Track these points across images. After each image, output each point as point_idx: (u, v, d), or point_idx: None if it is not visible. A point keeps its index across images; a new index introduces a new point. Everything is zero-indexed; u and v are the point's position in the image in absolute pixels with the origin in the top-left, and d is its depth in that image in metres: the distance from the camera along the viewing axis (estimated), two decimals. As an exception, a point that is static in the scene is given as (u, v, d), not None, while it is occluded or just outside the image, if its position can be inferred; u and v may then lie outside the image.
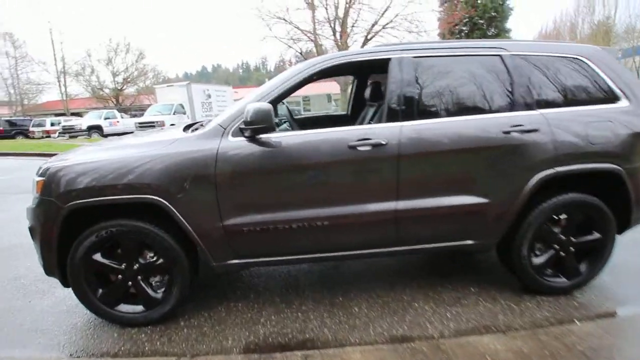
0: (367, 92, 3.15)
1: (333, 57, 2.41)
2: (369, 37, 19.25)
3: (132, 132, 16.26)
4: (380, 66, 2.42)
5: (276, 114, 2.39)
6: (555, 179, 2.33)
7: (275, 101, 2.33)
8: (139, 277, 2.28)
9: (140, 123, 17.34)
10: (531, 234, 2.41)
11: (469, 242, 2.42)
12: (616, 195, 2.45)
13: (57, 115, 27.85)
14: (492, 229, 2.39)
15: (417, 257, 3.28)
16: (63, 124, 20.74)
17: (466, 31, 23.88)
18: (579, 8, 29.84)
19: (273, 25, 19.36)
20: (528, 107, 2.33)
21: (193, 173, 2.14)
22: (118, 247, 2.26)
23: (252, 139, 2.18)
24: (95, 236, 2.18)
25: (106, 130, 19.62)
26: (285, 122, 3.43)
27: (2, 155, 13.35)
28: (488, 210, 2.33)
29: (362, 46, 18.40)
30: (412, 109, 2.29)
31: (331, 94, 26.78)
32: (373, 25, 19.04)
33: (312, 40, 20.14)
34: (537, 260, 2.50)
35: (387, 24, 18.88)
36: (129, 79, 35.63)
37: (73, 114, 29.35)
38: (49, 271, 2.30)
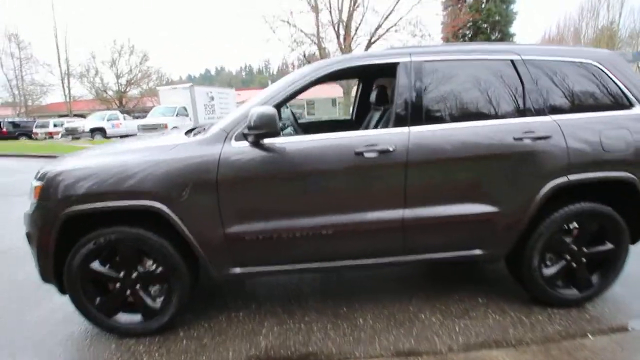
0: (373, 96, 3.09)
1: (340, 60, 2.35)
2: (372, 40, 19.23)
3: (134, 134, 16.26)
4: (388, 70, 2.36)
5: (280, 118, 2.32)
6: (567, 187, 2.25)
7: (280, 105, 2.26)
8: (138, 286, 2.21)
9: (142, 125, 17.33)
10: (542, 244, 2.34)
11: (478, 252, 2.35)
12: (630, 204, 2.38)
13: (60, 116, 27.95)
14: (502, 238, 2.32)
15: (423, 265, 3.20)
16: (66, 125, 20.78)
17: (470, 35, 23.85)
18: (583, 13, 29.71)
19: (277, 28, 19.39)
20: (540, 113, 2.26)
21: (194, 179, 2.08)
22: (116, 255, 2.19)
23: (256, 144, 2.12)
24: (93, 243, 2.12)
25: (109, 132, 19.64)
26: (289, 126, 3.36)
27: (5, 156, 13.37)
28: (498, 219, 2.26)
29: (366, 49, 18.39)
30: (421, 114, 2.22)
31: (336, 98, 26.60)
32: (377, 29, 19.04)
33: (315, 43, 20.15)
34: (548, 271, 2.42)
35: (391, 27, 18.88)
36: (132, 81, 35.78)
37: (76, 116, 29.41)
38: (45, 278, 2.23)
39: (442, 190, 2.23)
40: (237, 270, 2.25)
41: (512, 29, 24.81)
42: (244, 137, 2.14)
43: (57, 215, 2.07)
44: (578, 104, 2.32)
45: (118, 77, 34.93)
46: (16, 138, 22.61)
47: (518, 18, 25.88)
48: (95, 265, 2.17)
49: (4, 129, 23.55)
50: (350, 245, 2.27)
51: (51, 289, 2.28)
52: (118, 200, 2.07)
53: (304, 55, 20.88)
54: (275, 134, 2.07)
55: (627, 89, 2.33)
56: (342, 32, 19.49)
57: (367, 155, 2.13)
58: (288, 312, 2.55)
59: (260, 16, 19.34)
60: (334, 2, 19.23)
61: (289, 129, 3.29)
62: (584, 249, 2.40)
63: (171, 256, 2.15)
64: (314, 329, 2.34)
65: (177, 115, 17.75)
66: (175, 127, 15.75)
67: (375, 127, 2.97)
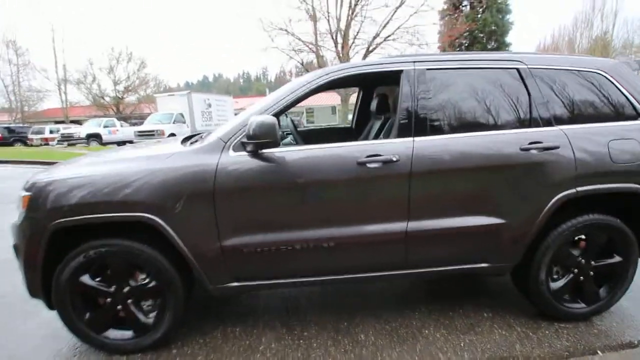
0: (374, 105, 3.04)
1: (341, 68, 2.29)
2: (370, 49, 19.32)
3: (131, 141, 16.15)
4: (390, 78, 2.30)
5: (279, 126, 2.25)
6: (575, 199, 2.19)
7: (280, 113, 2.19)
8: (129, 301, 2.12)
9: (139, 132, 17.23)
10: (549, 257, 2.27)
11: (484, 265, 2.27)
12: (638, 216, 2.32)
13: (57, 122, 27.79)
14: (509, 251, 2.25)
15: (425, 278, 3.11)
16: (62, 131, 20.63)
17: (466, 44, 24.08)
18: (577, 23, 30.14)
19: (275, 37, 19.45)
20: (547, 123, 2.21)
21: (190, 189, 2.00)
22: (107, 268, 2.10)
23: (255, 154, 2.05)
24: (83, 256, 2.02)
25: (105, 138, 19.50)
26: (288, 134, 3.30)
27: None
28: (505, 231, 2.19)
29: (364, 58, 18.47)
30: (425, 123, 2.16)
31: (336, 106, 26.46)
32: (375, 38, 19.13)
33: (313, 52, 20.21)
34: (555, 285, 2.36)
35: (389, 36, 18.96)
36: (130, 88, 35.71)
37: (73, 122, 29.28)
38: (33, 292, 2.13)
39: (447, 201, 2.16)
40: (234, 284, 2.16)
41: (508, 39, 25.10)
42: (243, 146, 2.06)
43: (46, 227, 1.98)
44: (585, 114, 2.27)
45: (115, 83, 34.89)
46: (11, 144, 22.39)
47: (514, 28, 26.22)
48: (85, 279, 2.07)
49: (-1, 135, 23.35)
50: (351, 259, 2.19)
51: (39, 303, 2.18)
52: (110, 212, 1.98)
53: (302, 64, 20.94)
54: (275, 143, 1.99)
55: (635, 99, 2.29)
56: (340, 40, 19.57)
57: (369, 165, 2.07)
58: (286, 326, 2.46)
59: (258, 23, 19.28)
60: (332, 11, 19.40)
61: (289, 138, 3.22)
62: (592, 262, 2.34)
63: (165, 270, 2.06)
64: (314, 345, 2.25)
65: (174, 122, 17.67)
66: (172, 134, 15.71)
67: (376, 136, 2.91)
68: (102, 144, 18.90)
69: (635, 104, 2.30)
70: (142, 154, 2.27)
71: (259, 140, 1.97)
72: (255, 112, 2.18)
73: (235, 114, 13.60)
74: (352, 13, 19.04)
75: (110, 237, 2.05)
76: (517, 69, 2.25)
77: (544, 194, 2.16)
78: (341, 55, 19.26)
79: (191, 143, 2.38)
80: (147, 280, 2.11)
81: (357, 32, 19.47)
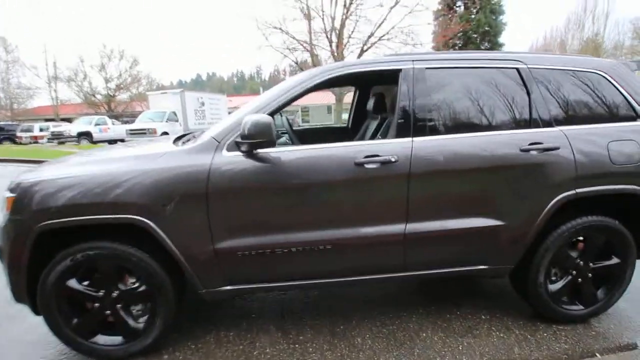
0: (370, 104, 2.99)
1: (338, 66, 2.23)
2: (365, 48, 19.31)
3: (122, 140, 15.93)
4: (388, 77, 2.26)
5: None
6: (574, 200, 2.17)
7: (275, 112, 2.13)
8: (119, 306, 2.04)
9: (131, 130, 17.01)
10: (548, 259, 2.25)
11: (483, 267, 2.24)
12: (637, 218, 2.31)
13: (47, 120, 27.36)
14: (508, 253, 2.22)
15: (422, 279, 3.08)
16: (52, 129, 20.30)
17: (460, 45, 24.16)
18: (569, 24, 30.47)
19: (269, 35, 19.34)
20: (547, 123, 2.18)
21: (182, 190, 1.93)
22: (95, 272, 2.02)
23: (249, 154, 1.98)
24: (70, 260, 1.95)
25: (96, 136, 19.23)
26: (284, 134, 3.24)
27: (-14, 161, 12.91)
28: (504, 233, 2.16)
29: (359, 57, 18.44)
30: (424, 123, 2.11)
31: (332, 105, 26.26)
32: (369, 37, 19.13)
33: (308, 51, 20.15)
34: (553, 287, 2.34)
35: (383, 35, 18.98)
36: (122, 86, 35.30)
37: (63, 120, 28.84)
38: (17, 297, 2.05)
39: (446, 203, 2.12)
40: (227, 287, 2.10)
41: (501, 39, 25.26)
42: (237, 146, 2.00)
43: (32, 229, 1.90)
44: (585, 115, 2.25)
45: (107, 81, 34.45)
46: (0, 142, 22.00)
47: (507, 29, 26.41)
48: (72, 283, 2.00)
49: (-13, 133, 22.92)
50: (348, 262, 2.14)
51: (25, 307, 2.09)
52: (98, 214, 1.90)
53: (296, 63, 20.86)
54: (270, 143, 1.93)
55: (634, 100, 2.27)
56: (334, 39, 19.53)
57: (367, 166, 2.02)
58: (282, 330, 2.40)
59: (253, 21, 19.21)
60: (327, 10, 19.34)
61: (284, 138, 3.16)
62: (590, 264, 2.32)
63: (156, 274, 1.99)
64: (310, 349, 2.20)
65: (167, 121, 17.47)
66: (165, 133, 15.53)
67: (373, 136, 2.86)
68: (93, 142, 18.64)
69: (635, 105, 2.28)
70: (133, 154, 2.20)
71: (253, 140, 1.91)
72: (250, 110, 2.12)
73: (229, 113, 13.49)
74: (347, 12, 19.02)
75: (99, 240, 1.97)
76: (517, 69, 2.22)
77: (544, 196, 2.14)
78: (336, 54, 19.23)
79: (183, 142, 2.31)
80: (137, 285, 2.04)
81: (352, 32, 19.48)
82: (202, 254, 2.00)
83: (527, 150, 2.11)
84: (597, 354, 2.12)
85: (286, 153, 2.05)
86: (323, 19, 19.32)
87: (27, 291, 2.00)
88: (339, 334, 2.34)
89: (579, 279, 2.33)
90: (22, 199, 1.93)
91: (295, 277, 2.14)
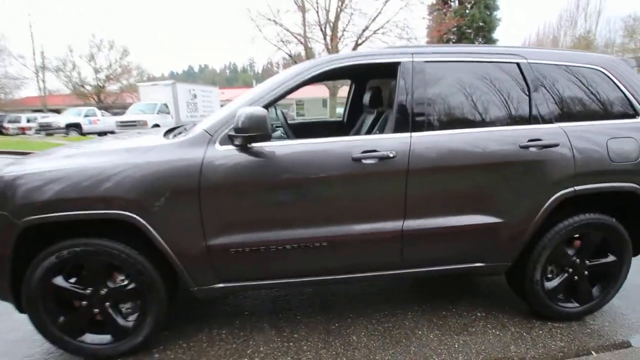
0: (366, 98, 2.93)
1: (335, 58, 2.17)
2: (359, 42, 19.17)
3: (112, 132, 15.64)
4: (387, 70, 2.20)
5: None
6: (572, 198, 2.15)
7: (270, 105, 2.06)
8: (107, 304, 1.98)
9: (121, 122, 16.70)
10: (545, 257, 2.23)
11: (480, 264, 2.22)
12: (633, 216, 2.31)
13: (34, 111, 26.76)
14: (506, 250, 2.20)
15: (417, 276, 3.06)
16: (40, 120, 19.85)
17: (454, 40, 24.17)
18: (562, 21, 30.62)
19: (263, 27, 19.09)
20: (546, 120, 2.15)
21: (173, 186, 1.86)
22: (83, 269, 1.95)
23: (243, 148, 1.91)
24: (56, 257, 1.87)
25: (85, 128, 18.85)
26: (278, 127, 3.17)
27: (-29, 152, 12.59)
28: (502, 230, 2.13)
29: (354, 50, 18.31)
30: (423, 118, 2.07)
31: (327, 99, 26.02)
32: (364, 30, 18.98)
33: (302, 43, 19.94)
34: (550, 285, 2.33)
35: (378, 29, 18.85)
36: (111, 76, 34.67)
37: (52, 111, 28.23)
38: (1, 295, 1.97)
39: (444, 200, 2.08)
40: (220, 285, 2.04)
41: (495, 35, 25.31)
42: (230, 140, 1.93)
43: (16, 225, 1.82)
44: (584, 111, 2.22)
45: (97, 71, 33.79)
46: (-15, 133, 21.49)
47: (501, 24, 26.44)
48: (59, 280, 1.92)
49: (-28, 123, 22.35)
50: (344, 259, 2.10)
51: (9, 304, 2.02)
52: (84, 210, 1.83)
53: (290, 55, 20.65)
54: (265, 137, 1.87)
55: (633, 97, 2.25)
56: (329, 32, 19.35)
57: (365, 161, 1.96)
58: (276, 328, 2.36)
59: (247, 12, 18.86)
60: (322, 2, 19.10)
61: (279, 132, 3.09)
62: (587, 261, 2.31)
63: (146, 271, 1.93)
64: (304, 347, 2.16)
65: (158, 113, 17.19)
66: (156, 125, 15.29)
67: (369, 130, 2.81)
68: (82, 134, 18.28)
69: (634, 102, 2.26)
70: (122, 147, 2.12)
71: (248, 133, 1.84)
72: (244, 103, 2.05)
73: (222, 106, 13.31)
74: (342, 5, 18.84)
75: (86, 236, 1.90)
76: (518, 64, 2.18)
77: (542, 193, 2.11)
78: (330, 47, 19.07)
79: (175, 135, 2.23)
80: (126, 282, 1.98)
81: (347, 25, 19.30)
82: (193, 250, 1.94)
83: (527, 147, 2.07)
84: (593, 352, 2.11)
85: (281, 147, 1.99)
86: (317, 11, 19.12)
87: (10, 289, 1.92)
88: (333, 332, 2.30)
89: (575, 277, 2.32)
90: (5, 192, 1.85)
91: (290, 275, 2.10)
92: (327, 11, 19.10)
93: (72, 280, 1.96)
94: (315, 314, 2.50)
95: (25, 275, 1.89)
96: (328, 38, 19.34)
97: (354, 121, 3.48)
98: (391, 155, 1.97)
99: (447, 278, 3.01)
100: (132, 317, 2.04)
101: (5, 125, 22.08)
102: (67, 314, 1.99)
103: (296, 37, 19.73)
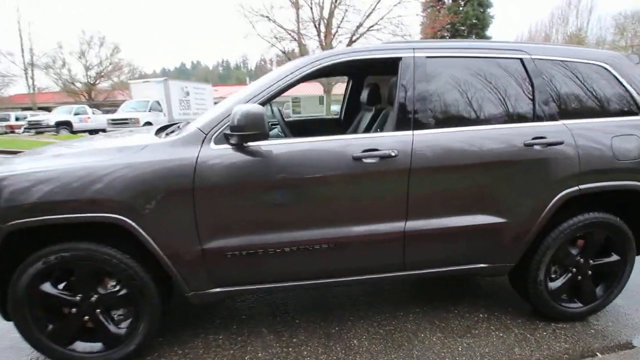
0: (364, 96, 2.86)
1: (333, 54, 2.08)
2: (353, 38, 19.09)
3: (103, 130, 15.38)
4: (387, 66, 2.13)
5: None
6: (577, 197, 2.10)
7: (266, 102, 1.98)
8: (98, 310, 1.89)
9: (113, 120, 16.46)
10: (549, 257, 2.19)
11: (484, 265, 2.17)
12: (635, 214, 2.27)
13: (24, 109, 26.29)
14: (510, 251, 2.15)
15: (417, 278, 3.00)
16: (29, 119, 19.50)
17: (448, 37, 24.18)
18: (554, 19, 30.86)
19: (256, 23, 18.92)
20: (550, 117, 2.10)
21: (166, 187, 1.78)
22: (72, 274, 1.86)
23: (240, 147, 1.83)
24: (43, 262, 1.78)
25: (76, 126, 18.54)
26: (275, 125, 3.09)
27: (-42, 151, 12.31)
28: (506, 230, 2.08)
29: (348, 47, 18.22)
30: (425, 116, 2.00)
31: (324, 96, 25.74)
32: (358, 27, 18.90)
33: (295, 40, 19.81)
34: (553, 285, 2.29)
35: (372, 26, 18.80)
36: (102, 74, 34.18)
37: (41, 109, 27.76)
38: (-15, 302, 1.88)
39: (447, 200, 2.02)
40: (215, 290, 1.97)
41: (489, 32, 25.39)
42: (226, 139, 1.85)
43: (0, 228, 1.73)
44: (588, 108, 2.17)
45: (87, 68, 33.29)
46: (-27, 132, 21.05)
47: (494, 22, 26.50)
48: (47, 287, 1.83)
49: (-41, 122, 21.87)
50: (344, 261, 2.03)
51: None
52: (75, 213, 1.74)
53: (284, 52, 20.51)
54: (263, 135, 1.79)
55: (637, 93, 2.20)
56: (323, 29, 19.25)
57: (366, 160, 1.90)
58: (274, 332, 2.29)
59: (239, 8, 18.65)
60: (315, -1, 18.96)
61: (276, 130, 3.01)
62: (590, 261, 2.27)
63: (138, 276, 1.84)
64: (304, 353, 2.10)
65: (150, 110, 16.94)
66: (148, 123, 15.08)
67: (367, 128, 2.75)
68: (73, 132, 17.99)
69: (637, 98, 2.21)
70: (112, 146, 2.02)
71: (244, 131, 1.76)
72: (240, 100, 1.97)
73: (215, 103, 13.14)
74: (336, 1, 18.72)
75: (75, 240, 1.81)
76: (521, 60, 2.12)
77: (547, 192, 2.06)
78: (324, 44, 18.97)
79: (167, 134, 2.14)
80: (117, 288, 1.89)
81: (341, 21, 19.21)
82: (188, 254, 1.86)
83: (531, 145, 2.02)
84: (598, 353, 2.08)
85: (279, 146, 1.91)
86: (311, 7, 19.00)
87: (-5, 296, 1.83)
88: (334, 336, 2.24)
89: (579, 277, 2.28)
90: (-12, 195, 1.75)
91: (289, 279, 2.03)
92: (321, 7, 19.02)
93: (61, 286, 1.87)
94: (315, 318, 2.43)
95: (11, 281, 1.80)
96: (322, 35, 19.23)
97: (351, 118, 3.41)
98: (393, 154, 1.91)
99: (447, 278, 2.96)
100: (124, 324, 1.96)
101: (-6, 123, 21.65)
102: (56, 322, 1.90)
103: (290, 34, 19.61)
